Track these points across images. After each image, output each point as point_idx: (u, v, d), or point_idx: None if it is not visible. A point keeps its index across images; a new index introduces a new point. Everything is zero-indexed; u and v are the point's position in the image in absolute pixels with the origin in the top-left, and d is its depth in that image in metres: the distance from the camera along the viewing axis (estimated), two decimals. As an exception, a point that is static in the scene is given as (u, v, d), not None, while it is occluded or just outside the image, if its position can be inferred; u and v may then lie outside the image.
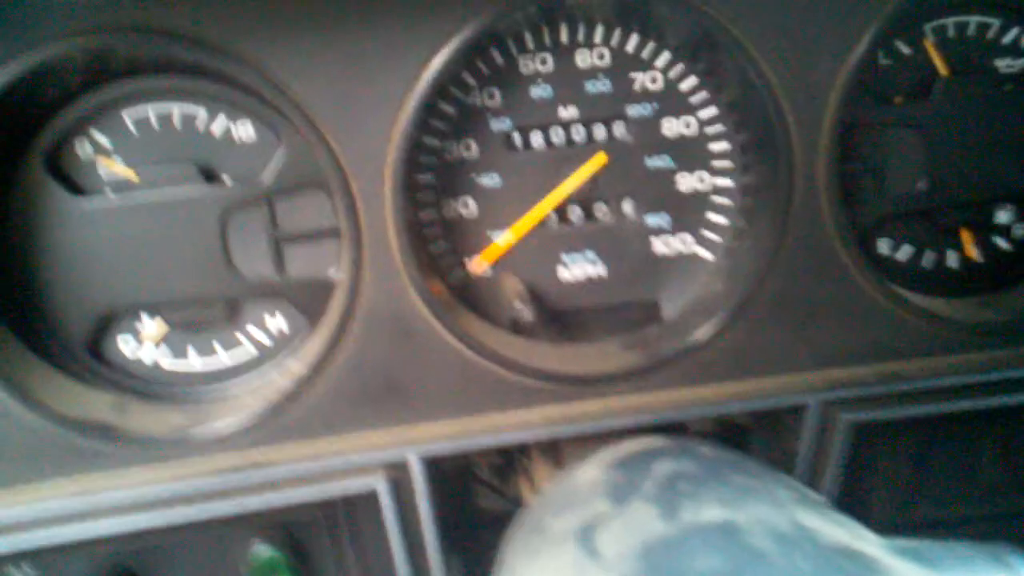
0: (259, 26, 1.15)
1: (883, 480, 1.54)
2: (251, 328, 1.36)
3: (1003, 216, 1.41)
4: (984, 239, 1.42)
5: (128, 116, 1.25)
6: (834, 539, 0.87)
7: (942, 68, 1.33)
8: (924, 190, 1.36)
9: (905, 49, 1.33)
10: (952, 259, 1.42)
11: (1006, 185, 1.37)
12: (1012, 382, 1.37)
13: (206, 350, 1.36)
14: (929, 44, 1.33)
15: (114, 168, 1.26)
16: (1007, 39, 1.34)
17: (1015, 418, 1.43)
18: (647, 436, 1.24)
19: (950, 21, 1.33)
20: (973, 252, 1.41)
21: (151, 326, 1.34)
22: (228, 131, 1.27)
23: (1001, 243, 1.42)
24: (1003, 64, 1.35)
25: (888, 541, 0.88)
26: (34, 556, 1.32)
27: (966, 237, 1.41)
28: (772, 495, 0.97)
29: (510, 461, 1.55)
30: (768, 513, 0.92)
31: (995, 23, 1.34)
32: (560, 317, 1.39)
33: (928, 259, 1.42)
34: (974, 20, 1.33)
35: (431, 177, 1.30)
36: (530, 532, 1.08)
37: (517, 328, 1.38)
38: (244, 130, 1.27)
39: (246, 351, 1.37)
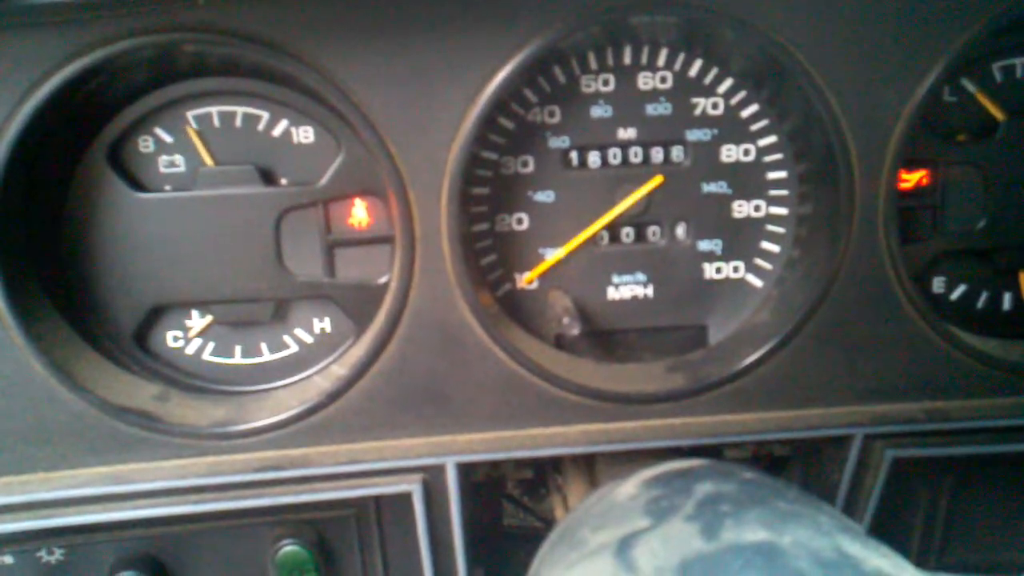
0: (328, 32, 1.16)
1: (921, 519, 1.52)
2: (298, 330, 1.37)
3: (1062, 260, 1.39)
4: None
5: (192, 115, 1.27)
6: (876, 568, 0.86)
7: (997, 114, 1.32)
8: (983, 229, 1.35)
9: (971, 87, 1.32)
10: (1007, 301, 1.41)
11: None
12: None
13: (252, 349, 1.38)
14: (980, 93, 1.32)
15: (195, 143, 1.28)
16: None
17: None
18: (687, 458, 1.24)
19: (1019, 61, 1.32)
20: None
21: (200, 322, 1.35)
22: (288, 134, 1.29)
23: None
24: None
25: (929, 574, 0.87)
26: (65, 537, 1.34)
27: (1024, 279, 1.40)
28: (814, 520, 0.96)
29: (542, 478, 1.55)
30: (810, 537, 0.91)
31: None
32: (606, 336, 1.40)
33: (983, 300, 1.41)
34: None
35: (486, 190, 1.31)
36: (566, 545, 1.08)
37: (562, 344, 1.38)
38: (304, 134, 1.29)
39: (290, 351, 1.38)
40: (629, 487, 1.14)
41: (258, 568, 1.42)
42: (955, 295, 1.41)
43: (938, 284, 1.40)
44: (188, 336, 1.36)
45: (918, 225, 1.35)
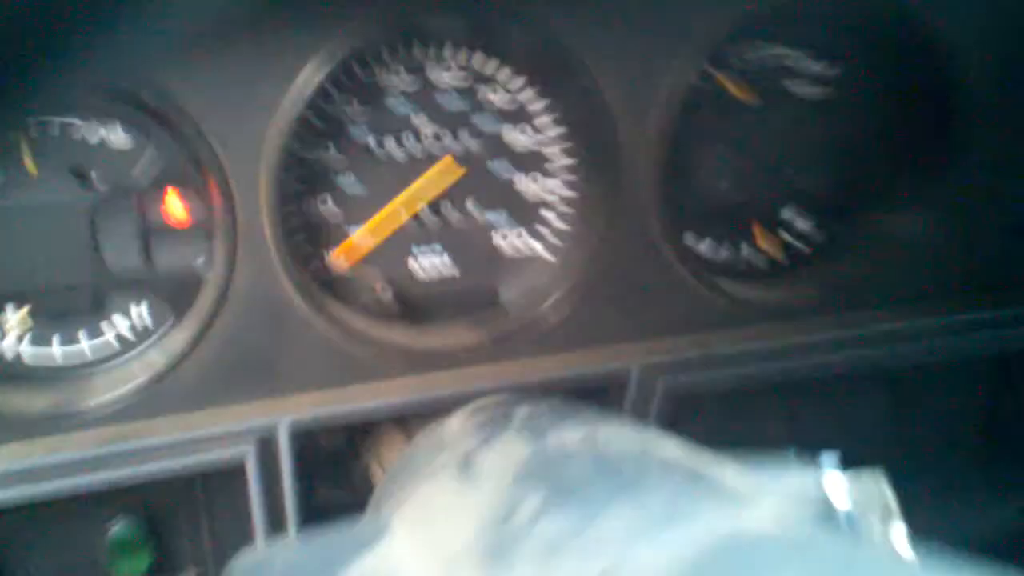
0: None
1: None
2: (117, 317, 1.39)
3: (787, 213, 1.67)
4: (772, 232, 1.67)
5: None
6: (677, 451, 1.02)
7: (742, 94, 1.54)
8: (724, 191, 1.59)
9: (720, 73, 1.53)
10: (744, 249, 1.66)
11: (791, 188, 1.64)
12: (795, 349, 1.59)
13: (70, 339, 1.38)
14: (723, 77, 1.53)
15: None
16: (802, 68, 1.58)
17: (800, 389, 1.67)
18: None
19: (764, 54, 1.55)
20: (764, 243, 1.66)
21: (15, 316, 1.35)
22: (99, 134, 1.30)
23: (785, 235, 1.68)
24: (799, 89, 1.59)
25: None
26: None
27: (758, 231, 1.65)
28: (620, 422, 1.15)
29: (351, 444, 1.60)
30: (620, 430, 1.08)
31: (792, 54, 1.57)
32: (413, 302, 1.52)
33: (725, 249, 1.65)
34: (779, 52, 1.56)
35: (298, 178, 1.40)
36: (406, 473, 1.18)
37: (375, 311, 1.49)
38: (113, 133, 1.31)
39: (109, 341, 1.40)
40: (455, 422, 1.26)
41: (92, 555, 1.43)
42: (703, 247, 1.64)
43: (689, 238, 1.63)
44: (4, 329, 1.35)
45: (678, 191, 1.54)
